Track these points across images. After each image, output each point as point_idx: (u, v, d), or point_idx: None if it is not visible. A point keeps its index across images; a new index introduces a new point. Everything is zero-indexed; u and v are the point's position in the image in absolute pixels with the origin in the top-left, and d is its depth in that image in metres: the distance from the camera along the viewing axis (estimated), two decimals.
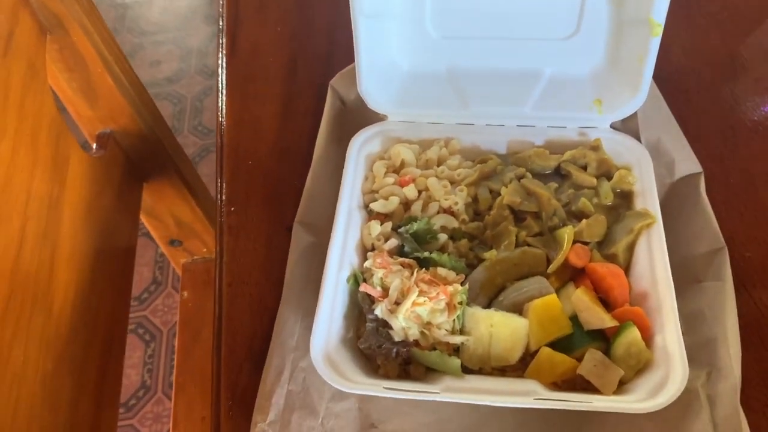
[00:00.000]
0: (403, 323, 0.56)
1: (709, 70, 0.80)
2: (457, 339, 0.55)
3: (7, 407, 0.57)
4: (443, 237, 0.61)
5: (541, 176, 0.66)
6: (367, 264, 0.59)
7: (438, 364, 0.55)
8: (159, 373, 1.63)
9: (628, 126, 0.68)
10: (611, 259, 0.59)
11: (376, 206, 0.63)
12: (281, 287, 0.62)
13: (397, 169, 0.67)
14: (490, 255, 0.59)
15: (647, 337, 0.54)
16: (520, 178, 0.64)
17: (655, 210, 0.60)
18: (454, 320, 0.56)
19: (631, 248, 0.60)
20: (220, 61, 0.85)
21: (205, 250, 1.10)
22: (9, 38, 0.66)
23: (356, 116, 0.71)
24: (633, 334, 0.53)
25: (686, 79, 0.79)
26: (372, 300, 0.58)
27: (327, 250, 0.59)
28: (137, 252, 1.84)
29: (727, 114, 0.76)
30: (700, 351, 0.55)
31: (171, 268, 1.75)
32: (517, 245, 0.60)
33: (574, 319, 0.56)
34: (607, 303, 0.57)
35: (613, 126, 0.67)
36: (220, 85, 0.82)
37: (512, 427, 0.54)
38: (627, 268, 0.59)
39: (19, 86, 0.66)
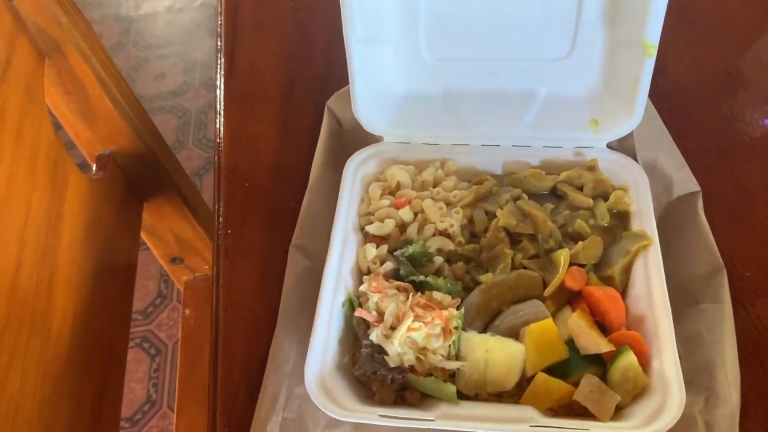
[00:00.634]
0: (399, 349, 0.55)
1: (707, 85, 0.80)
2: (452, 365, 0.55)
3: None
4: (439, 260, 0.61)
5: (537, 197, 0.65)
6: (362, 288, 0.59)
7: (433, 391, 0.54)
8: (164, 387, 1.63)
9: (624, 144, 0.67)
10: (608, 281, 0.59)
11: (371, 229, 0.63)
12: (278, 311, 0.62)
13: (392, 191, 0.67)
14: (486, 278, 0.59)
15: (644, 362, 0.54)
16: (515, 199, 0.64)
17: (652, 231, 0.60)
18: (449, 345, 0.55)
19: (627, 270, 0.59)
20: (218, 82, 0.85)
21: (206, 267, 1.10)
22: (7, 64, 0.66)
23: (353, 137, 0.71)
24: (630, 358, 0.53)
25: (684, 95, 0.79)
26: (367, 325, 0.58)
27: (322, 274, 0.59)
28: (142, 265, 1.84)
29: (726, 130, 0.75)
30: (698, 375, 0.54)
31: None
32: (513, 268, 0.60)
33: (571, 343, 0.56)
34: (603, 327, 0.56)
35: (609, 145, 0.67)
36: (218, 105, 0.82)
37: None
38: (624, 291, 0.59)
39: (16, 111, 0.67)
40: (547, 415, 0.52)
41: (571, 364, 0.55)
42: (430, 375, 0.55)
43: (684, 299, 0.59)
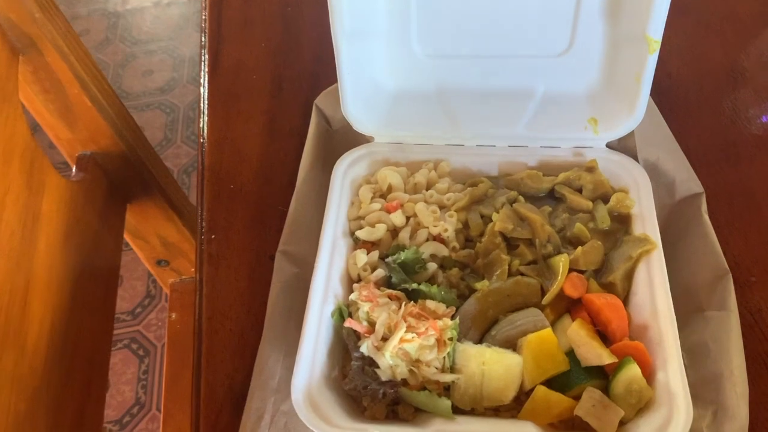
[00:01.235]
0: (391, 361, 0.53)
1: (708, 81, 0.77)
2: (447, 377, 0.52)
3: None
4: (432, 266, 0.59)
5: (534, 199, 0.63)
6: (352, 297, 0.57)
7: (427, 405, 0.52)
8: (153, 389, 1.60)
9: (625, 145, 0.65)
10: (609, 288, 0.56)
11: (362, 234, 0.61)
12: (263, 321, 0.59)
13: (384, 194, 0.64)
14: (482, 285, 0.56)
15: (648, 374, 0.51)
16: (512, 202, 0.61)
17: (655, 235, 0.57)
18: (444, 357, 0.53)
19: (629, 276, 0.57)
20: (202, 79, 0.82)
21: (193, 269, 1.06)
22: None
23: (342, 137, 0.69)
24: (633, 370, 0.51)
25: (685, 91, 0.76)
26: (358, 336, 0.55)
27: (310, 281, 0.56)
28: (130, 265, 1.81)
29: (728, 128, 0.73)
30: (704, 388, 0.52)
31: None
32: (510, 274, 0.57)
33: (571, 354, 0.53)
34: (605, 336, 0.54)
35: (609, 145, 0.64)
36: (202, 104, 0.79)
37: None
38: (626, 298, 0.56)
39: None
40: (547, 431, 0.50)
41: (571, 376, 0.52)
42: (424, 389, 0.53)
43: (688, 306, 0.57)
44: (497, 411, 0.52)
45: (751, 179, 0.68)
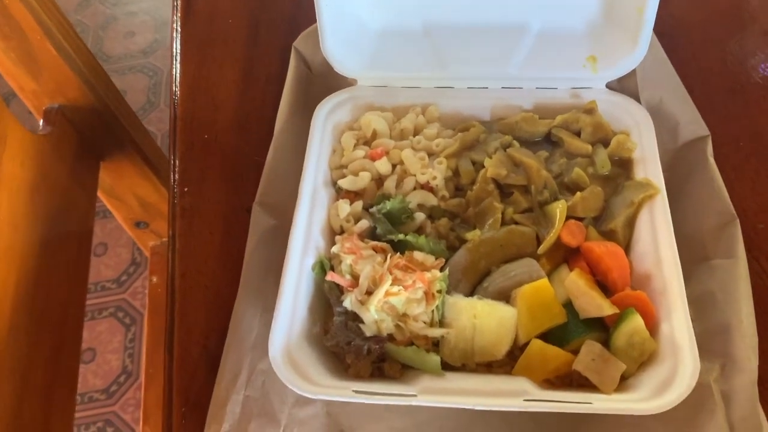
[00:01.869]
0: (376, 315, 0.49)
1: (714, 21, 0.73)
2: (436, 332, 0.49)
3: None
4: (420, 216, 0.55)
5: (529, 144, 0.59)
6: (334, 249, 0.53)
7: (415, 361, 0.49)
8: (140, 357, 1.57)
9: (625, 85, 0.62)
10: (609, 236, 0.53)
11: (344, 183, 0.57)
12: (240, 278, 0.55)
13: (368, 141, 0.60)
14: (473, 235, 0.53)
15: (652, 325, 0.48)
16: (506, 147, 0.58)
17: (658, 179, 0.54)
18: (432, 311, 0.50)
19: (631, 223, 0.54)
20: (174, 25, 0.77)
21: None
22: None
23: (323, 81, 0.65)
24: (635, 322, 0.47)
25: (690, 32, 0.72)
26: (340, 290, 0.52)
27: (289, 234, 0.52)
28: (113, 233, 1.77)
29: (736, 70, 0.69)
30: (711, 340, 0.49)
31: None
32: (503, 223, 0.54)
33: (569, 306, 0.50)
34: (605, 287, 0.51)
35: (609, 86, 0.61)
36: (174, 51, 0.74)
37: (499, 431, 0.48)
38: (627, 247, 0.53)
39: None
40: (543, 387, 0.47)
41: (569, 329, 0.49)
42: (411, 344, 0.49)
43: (693, 255, 0.53)
44: (489, 367, 0.49)
45: (758, 122, 0.64)
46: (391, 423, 0.49)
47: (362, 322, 0.50)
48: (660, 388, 0.45)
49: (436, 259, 0.52)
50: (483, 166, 0.57)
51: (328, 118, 0.60)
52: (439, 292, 0.50)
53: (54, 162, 0.77)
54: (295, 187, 0.56)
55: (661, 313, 0.48)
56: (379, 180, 0.58)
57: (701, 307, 0.50)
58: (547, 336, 0.49)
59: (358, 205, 0.56)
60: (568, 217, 0.53)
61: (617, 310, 0.48)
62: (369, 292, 0.50)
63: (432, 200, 0.56)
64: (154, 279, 1.01)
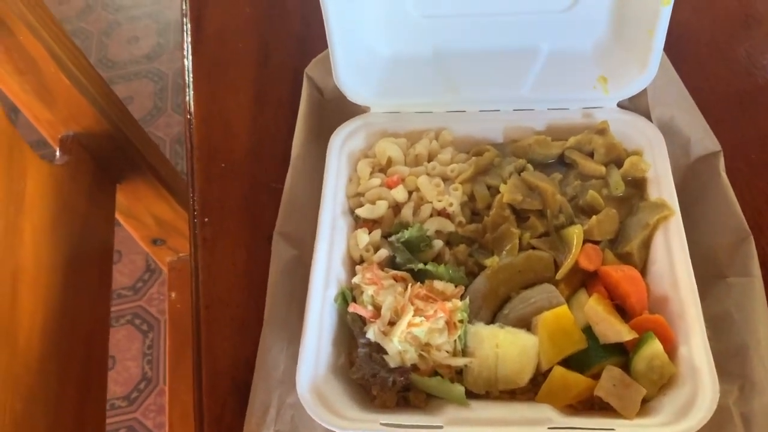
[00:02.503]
0: (399, 346, 0.50)
1: (721, 28, 0.73)
2: (459, 361, 0.50)
3: None
4: (438, 244, 0.56)
5: (543, 166, 0.59)
6: (355, 280, 0.54)
7: (440, 391, 0.49)
8: (159, 363, 1.59)
9: (636, 103, 0.62)
10: (626, 258, 0.54)
11: (362, 212, 0.57)
12: (264, 306, 0.56)
13: (383, 168, 0.60)
14: (492, 262, 0.54)
15: (670, 349, 0.49)
16: (520, 171, 0.58)
17: (672, 199, 0.54)
18: (455, 340, 0.50)
19: (647, 245, 0.54)
20: (185, 50, 0.77)
21: None
22: None
23: (336, 107, 0.65)
24: (654, 346, 0.48)
25: (696, 40, 0.72)
26: (363, 321, 0.52)
27: (311, 264, 0.53)
28: (127, 241, 1.78)
29: (743, 78, 0.69)
30: (729, 361, 0.49)
31: None
32: (520, 248, 0.55)
33: (588, 331, 0.50)
34: (623, 311, 0.51)
35: (620, 104, 0.61)
36: (186, 76, 0.75)
37: None
38: (644, 268, 0.54)
39: None
40: (566, 414, 0.48)
41: (589, 354, 0.50)
42: (435, 374, 0.50)
43: (709, 273, 0.54)
44: (513, 394, 0.50)
45: None
46: None
47: (386, 353, 0.50)
48: (681, 411, 0.46)
49: (456, 287, 0.53)
50: (498, 191, 0.57)
51: (343, 146, 0.61)
52: (461, 321, 0.50)
53: (72, 190, 0.78)
54: (313, 216, 0.57)
55: (680, 336, 0.49)
56: (396, 207, 0.59)
57: (718, 327, 0.51)
58: (568, 362, 0.50)
59: (377, 233, 0.57)
60: (584, 241, 0.53)
61: (636, 335, 0.49)
62: (392, 323, 0.51)
63: (449, 227, 0.57)
64: (173, 295, 1.02)
